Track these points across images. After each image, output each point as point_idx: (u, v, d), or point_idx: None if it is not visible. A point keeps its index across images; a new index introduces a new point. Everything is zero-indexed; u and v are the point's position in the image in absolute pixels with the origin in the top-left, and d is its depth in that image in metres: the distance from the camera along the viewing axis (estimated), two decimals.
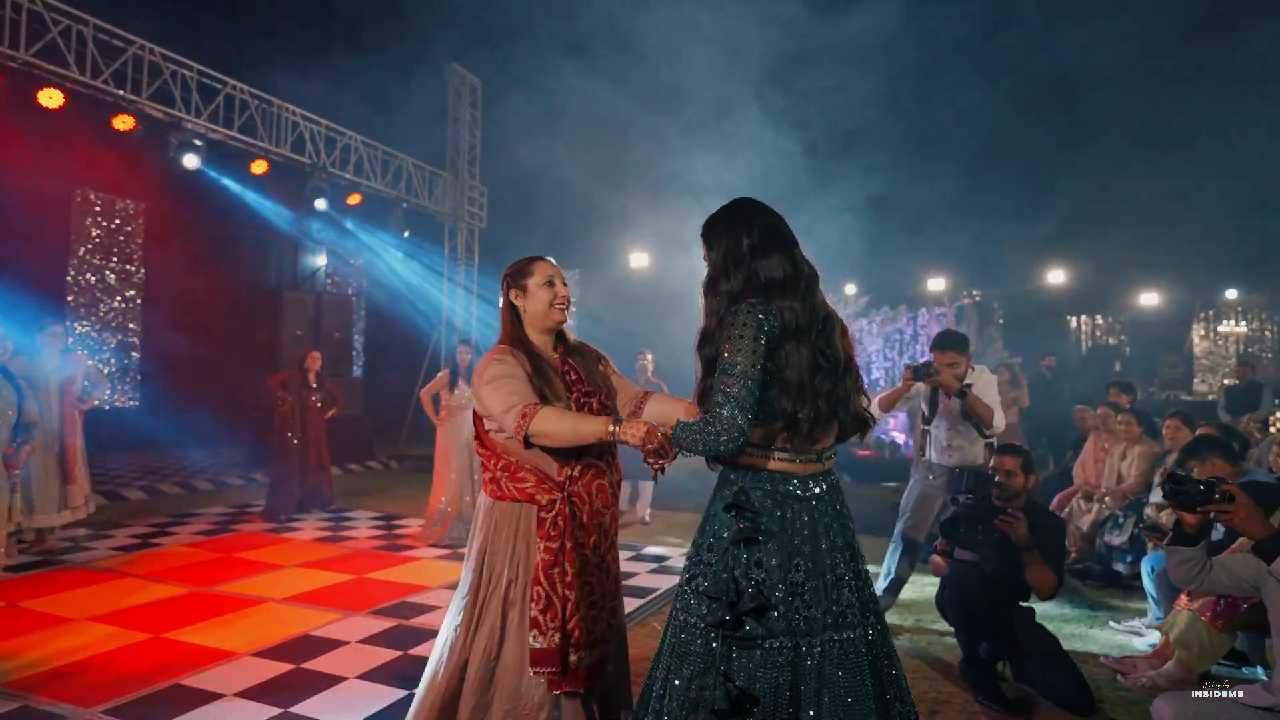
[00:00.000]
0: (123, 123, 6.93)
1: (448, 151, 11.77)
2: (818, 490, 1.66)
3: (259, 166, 8.31)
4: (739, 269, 1.72)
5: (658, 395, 2.35)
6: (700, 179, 14.48)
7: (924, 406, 4.06)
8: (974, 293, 18.63)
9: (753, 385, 1.57)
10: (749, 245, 1.72)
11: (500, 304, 2.27)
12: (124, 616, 4.03)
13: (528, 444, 1.98)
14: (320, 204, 9.04)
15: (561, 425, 1.93)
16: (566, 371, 2.27)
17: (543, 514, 2.05)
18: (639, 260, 17.00)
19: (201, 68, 7.66)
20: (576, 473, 2.11)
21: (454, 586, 2.29)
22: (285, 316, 10.72)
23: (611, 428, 1.86)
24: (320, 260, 12.07)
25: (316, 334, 11.02)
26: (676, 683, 1.63)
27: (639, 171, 15.38)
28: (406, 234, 11.13)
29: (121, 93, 6.96)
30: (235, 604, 4.29)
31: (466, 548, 2.22)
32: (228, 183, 8.92)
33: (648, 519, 6.87)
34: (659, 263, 17.03)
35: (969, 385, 3.77)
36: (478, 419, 2.22)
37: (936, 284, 17.31)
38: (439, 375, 6.20)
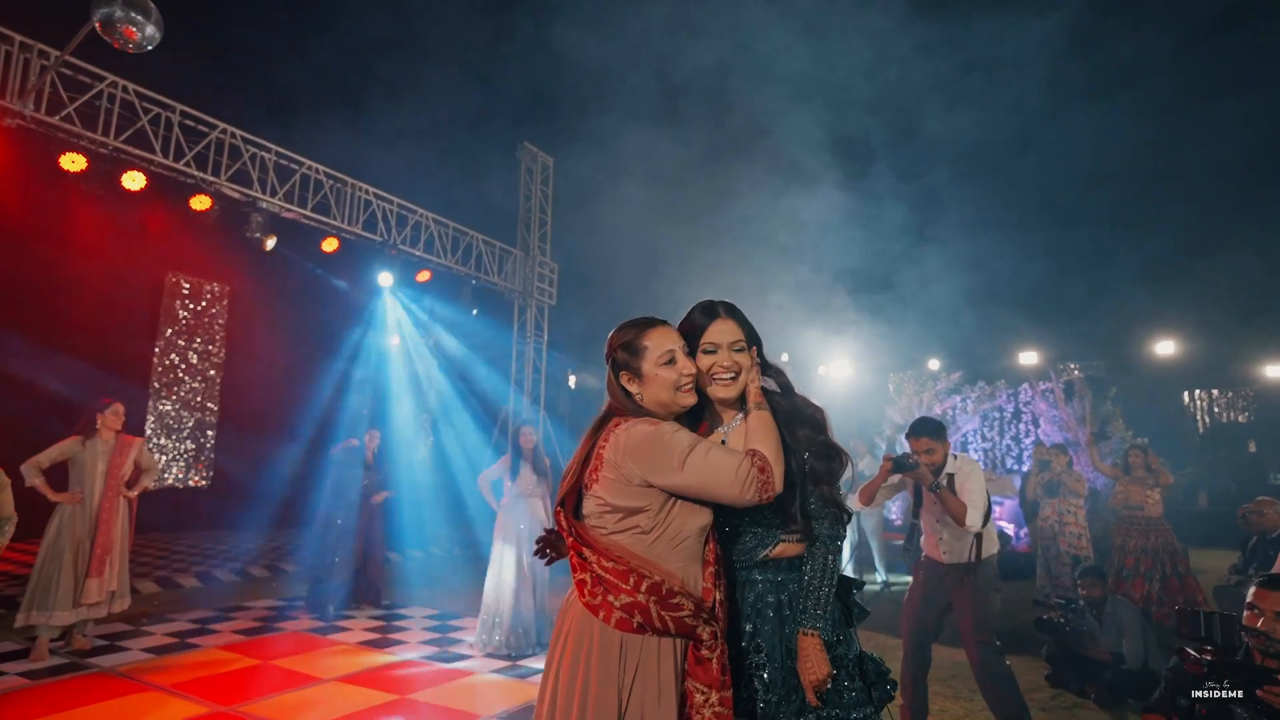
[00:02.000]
0: (200, 203, 6.95)
1: (518, 229, 11.68)
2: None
3: (330, 244, 8.26)
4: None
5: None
6: (782, 252, 14.00)
7: (911, 498, 3.84)
8: (1072, 366, 17.19)
9: None
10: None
11: (607, 379, 1.83)
12: None
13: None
14: (386, 279, 8.93)
15: (774, 438, 1.72)
16: None
17: (704, 652, 1.62)
18: None
19: (280, 149, 7.74)
20: (723, 590, 1.72)
21: (513, 716, 1.67)
22: (353, 393, 10.60)
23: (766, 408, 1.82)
24: (391, 338, 12.03)
25: (382, 411, 10.83)
26: None
27: (719, 243, 15.05)
28: (475, 311, 10.95)
29: (202, 174, 7.02)
30: None
31: (555, 692, 1.65)
32: (301, 261, 8.93)
33: None
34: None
35: (949, 475, 3.53)
36: (578, 525, 1.72)
37: (1029, 358, 16.05)
38: (500, 460, 5.66)
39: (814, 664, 1.71)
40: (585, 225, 13.85)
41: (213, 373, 12.25)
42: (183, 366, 11.85)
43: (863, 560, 7.85)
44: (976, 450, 13.69)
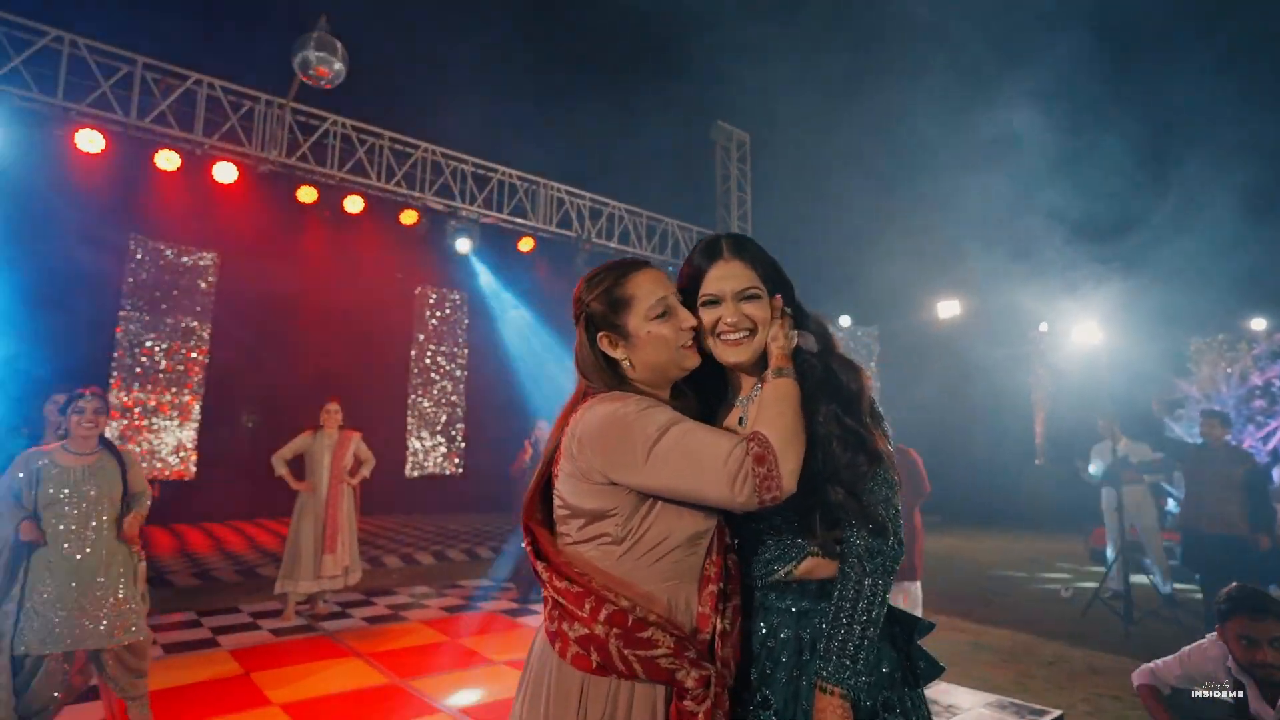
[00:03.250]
0: (408, 217, 7.70)
1: (716, 211, 11.39)
2: None
3: (526, 244, 8.69)
4: None
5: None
6: (1020, 203, 12.04)
7: None
8: None
9: None
10: None
11: (577, 345, 1.41)
12: (309, 708, 3.84)
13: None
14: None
15: (791, 415, 1.24)
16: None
17: (689, 704, 1.21)
18: (949, 309, 14.73)
19: (476, 160, 8.31)
20: (728, 619, 1.28)
21: None
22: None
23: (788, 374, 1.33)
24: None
25: None
26: None
27: (942, 208, 13.41)
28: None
29: (409, 191, 7.78)
30: (418, 708, 3.88)
31: None
32: (496, 262, 9.56)
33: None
34: (975, 309, 14.57)
35: None
36: (538, 532, 1.35)
37: None
38: None
39: None
40: (789, 199, 13.10)
41: (459, 372, 13.73)
42: (433, 367, 13.44)
43: (1133, 566, 6.32)
44: None
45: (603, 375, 1.36)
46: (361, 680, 4.27)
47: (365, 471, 6.13)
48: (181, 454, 11.01)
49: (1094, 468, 6.67)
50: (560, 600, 1.26)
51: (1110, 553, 6.71)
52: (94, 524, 2.99)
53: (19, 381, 6.03)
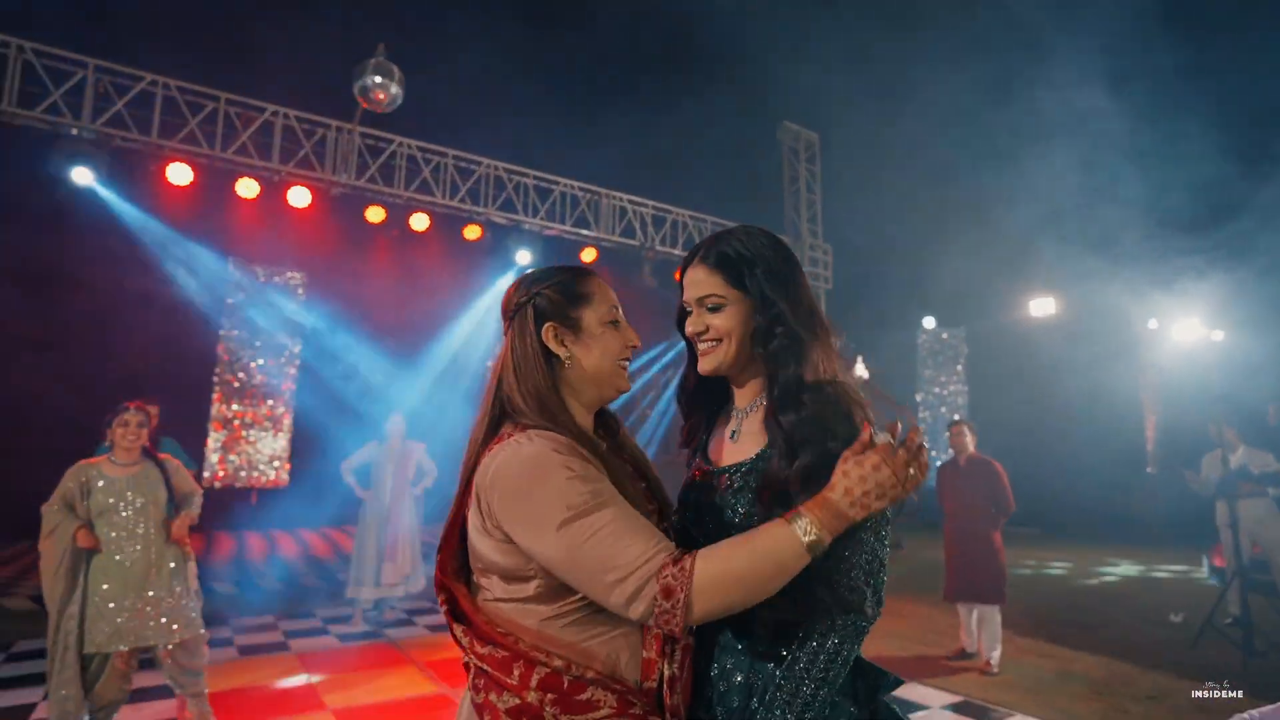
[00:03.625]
0: (471, 232, 7.87)
1: (785, 213, 11.10)
2: None
3: (588, 254, 8.72)
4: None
5: None
6: (1122, 197, 11.20)
7: None
8: None
9: None
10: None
11: (513, 338, 1.27)
12: (360, 715, 3.91)
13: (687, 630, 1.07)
14: (650, 282, 9.15)
15: (749, 565, 1.03)
16: (631, 466, 1.32)
17: None
18: (1042, 307, 13.83)
19: (538, 173, 8.42)
20: (677, 662, 1.15)
21: None
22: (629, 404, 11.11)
23: (812, 534, 1.02)
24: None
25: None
26: None
27: (1032, 201, 12.62)
28: None
29: (474, 207, 7.95)
30: None
31: None
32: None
33: (995, 665, 4.75)
34: (1072, 305, 13.63)
35: None
36: (454, 588, 1.20)
37: None
38: None
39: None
40: (862, 199, 12.63)
41: None
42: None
43: (1259, 589, 5.64)
44: None
45: (535, 375, 1.21)
46: (415, 689, 4.33)
47: (427, 481, 6.27)
48: (275, 463, 11.67)
49: (1206, 478, 6.01)
50: (484, 668, 1.11)
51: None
52: (142, 529, 3.16)
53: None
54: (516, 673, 1.09)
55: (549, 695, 1.07)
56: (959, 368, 16.17)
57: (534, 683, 1.08)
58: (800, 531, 1.01)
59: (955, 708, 4.09)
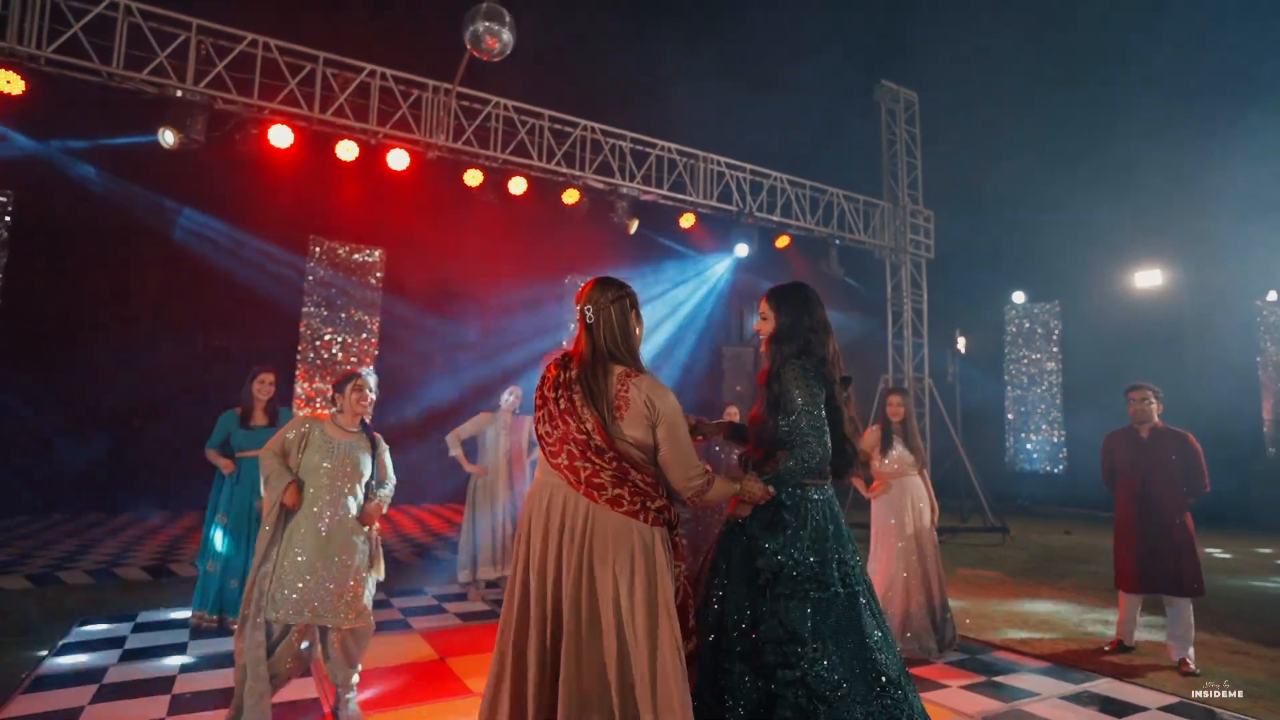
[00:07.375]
0: (570, 196, 7.51)
1: (884, 178, 10.46)
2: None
3: (687, 220, 8.30)
4: (798, 339, 2.27)
5: None
6: (1242, 160, 10.25)
7: None
8: None
9: (823, 423, 2.18)
10: (809, 325, 2.28)
11: (612, 317, 2.07)
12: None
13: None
14: (741, 250, 8.68)
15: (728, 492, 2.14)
16: None
17: (677, 536, 2.07)
18: (1148, 279, 12.89)
19: (634, 135, 8.01)
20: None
21: None
22: (726, 373, 10.67)
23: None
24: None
25: (754, 389, 10.69)
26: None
27: (1137, 168, 11.70)
28: (844, 274, 10.10)
29: (570, 170, 7.59)
30: None
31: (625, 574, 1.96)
32: (664, 241, 9.23)
33: (1193, 664, 4.19)
34: (1181, 278, 12.65)
35: None
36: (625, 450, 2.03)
37: None
38: (866, 431, 4.82)
39: (748, 488, 2.17)
40: (961, 163, 11.86)
41: None
42: None
43: None
44: None
45: (632, 339, 2.08)
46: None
47: (536, 454, 5.96)
48: None
49: None
50: (643, 487, 1.98)
51: None
52: (343, 500, 2.99)
53: (231, 367, 6.40)
54: (657, 491, 2.03)
55: (664, 501, 2.03)
56: (1053, 344, 15.25)
57: (663, 494, 2.04)
58: (747, 487, 2.17)
59: (1170, 709, 3.59)
